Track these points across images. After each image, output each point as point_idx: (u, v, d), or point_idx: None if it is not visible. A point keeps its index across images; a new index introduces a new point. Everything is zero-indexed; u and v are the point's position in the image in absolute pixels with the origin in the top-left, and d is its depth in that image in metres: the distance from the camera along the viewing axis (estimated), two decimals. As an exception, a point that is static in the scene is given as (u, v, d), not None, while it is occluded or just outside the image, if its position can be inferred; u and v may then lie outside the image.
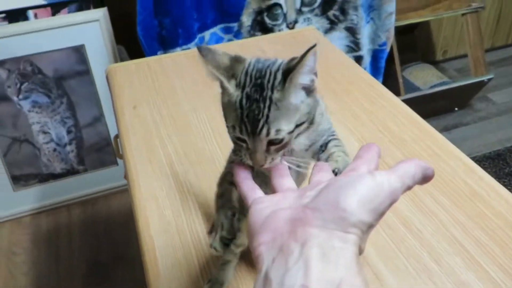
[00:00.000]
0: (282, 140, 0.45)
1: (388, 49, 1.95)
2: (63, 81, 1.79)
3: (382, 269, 0.67)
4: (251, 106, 0.44)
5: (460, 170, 0.84)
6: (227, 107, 0.47)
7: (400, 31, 2.33)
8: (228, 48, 1.34)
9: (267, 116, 0.44)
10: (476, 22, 2.16)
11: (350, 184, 0.36)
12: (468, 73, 2.45)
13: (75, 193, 1.94)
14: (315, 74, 0.47)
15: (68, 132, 1.87)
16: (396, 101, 1.07)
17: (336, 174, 0.47)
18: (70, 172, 1.93)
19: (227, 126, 0.47)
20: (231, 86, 0.46)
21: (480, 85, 2.20)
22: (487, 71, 2.21)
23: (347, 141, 0.94)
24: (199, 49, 0.48)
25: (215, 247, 0.51)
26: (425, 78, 2.33)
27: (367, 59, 1.92)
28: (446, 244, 0.71)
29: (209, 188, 0.85)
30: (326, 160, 0.50)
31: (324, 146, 0.52)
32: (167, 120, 1.04)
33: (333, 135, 0.54)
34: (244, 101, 0.44)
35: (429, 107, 2.16)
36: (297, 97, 0.45)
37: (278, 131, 0.44)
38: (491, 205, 0.77)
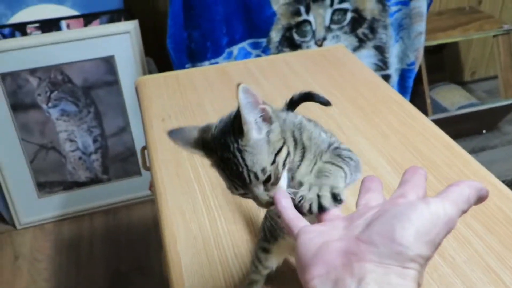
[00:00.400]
0: (270, 175, 0.46)
1: (416, 69, 1.93)
2: (92, 90, 1.81)
3: (413, 297, 0.65)
4: (229, 165, 0.46)
5: (494, 196, 0.82)
6: (217, 171, 0.50)
7: (429, 51, 2.31)
8: (257, 63, 1.35)
9: (246, 165, 0.45)
10: (508, 43, 2.12)
11: (404, 215, 0.34)
12: (496, 95, 2.41)
13: (98, 201, 1.96)
14: (263, 103, 0.47)
15: (94, 141, 1.89)
16: (427, 122, 1.05)
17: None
18: (94, 180, 1.94)
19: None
20: (206, 156, 0.49)
21: (509, 107, 2.15)
22: (518, 94, 2.16)
23: (377, 162, 0.92)
24: (169, 134, 0.51)
25: None
26: (453, 99, 2.30)
27: (395, 78, 1.90)
28: (480, 273, 0.68)
29: (236, 204, 0.84)
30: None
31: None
32: (195, 134, 1.04)
33: (336, 147, 0.52)
34: (221, 164, 0.47)
35: (456, 128, 2.13)
36: (259, 132, 0.46)
37: (263, 170, 0.45)
38: (528, 234, 0.74)
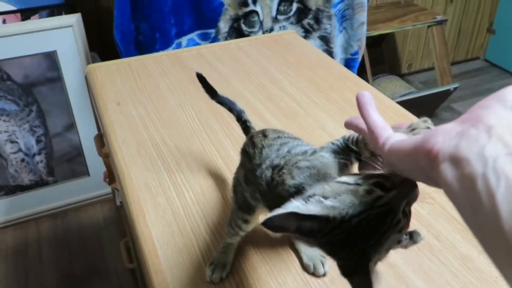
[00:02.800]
0: None
1: (360, 58, 2.00)
2: (33, 88, 1.73)
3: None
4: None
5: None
6: None
7: (368, 45, 2.40)
8: (210, 49, 1.35)
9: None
10: (442, 34, 2.25)
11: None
12: (432, 85, 2.54)
13: (44, 205, 1.86)
14: None
15: (38, 141, 1.80)
16: (382, 96, 1.09)
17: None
18: (39, 183, 1.85)
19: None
20: None
21: (446, 94, 2.28)
22: (453, 82, 2.30)
23: (337, 132, 0.95)
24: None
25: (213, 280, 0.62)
26: (394, 89, 2.40)
27: (340, 68, 1.96)
28: (444, 222, 0.72)
29: (204, 177, 0.83)
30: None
31: None
32: (153, 115, 1.02)
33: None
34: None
35: (399, 116, 2.22)
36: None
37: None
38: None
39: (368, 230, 0.38)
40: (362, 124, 0.44)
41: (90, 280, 1.61)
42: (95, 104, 1.11)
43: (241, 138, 0.69)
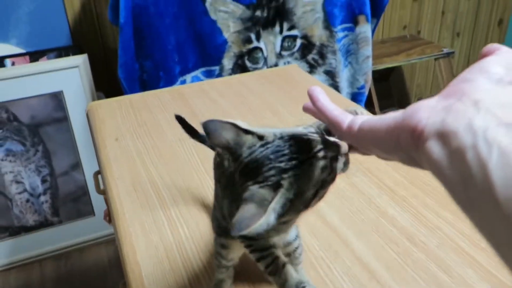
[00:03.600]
0: None
1: (366, 92, 1.98)
2: (40, 128, 1.74)
3: (390, 283, 0.63)
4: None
5: (457, 186, 0.82)
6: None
7: (376, 79, 2.39)
8: (212, 84, 1.34)
9: None
10: (449, 66, 2.24)
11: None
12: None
13: (48, 246, 1.83)
14: None
15: (43, 181, 1.79)
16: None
17: None
18: (43, 224, 1.83)
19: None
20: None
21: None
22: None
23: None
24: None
25: None
26: (403, 123, 2.37)
27: (347, 102, 1.94)
28: (454, 255, 0.67)
29: (199, 213, 0.80)
30: None
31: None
32: (151, 151, 1.00)
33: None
34: None
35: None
36: None
37: None
38: (494, 218, 0.74)
39: (290, 153, 0.42)
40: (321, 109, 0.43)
41: (92, 324, 1.56)
42: (94, 140, 1.10)
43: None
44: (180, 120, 0.69)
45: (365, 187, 0.84)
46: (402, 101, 2.71)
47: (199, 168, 0.93)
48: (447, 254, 0.67)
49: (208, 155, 0.97)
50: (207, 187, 0.87)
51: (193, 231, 0.75)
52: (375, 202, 0.79)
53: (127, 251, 0.72)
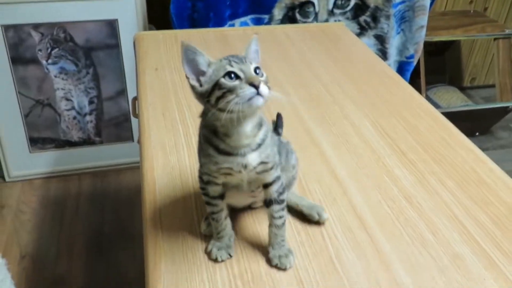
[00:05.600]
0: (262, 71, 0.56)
1: (415, 62, 1.95)
2: (92, 51, 1.83)
3: (378, 234, 0.67)
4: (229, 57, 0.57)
5: (470, 160, 0.84)
6: (210, 73, 0.58)
7: (430, 51, 2.32)
8: (258, 31, 1.37)
9: (246, 57, 0.57)
10: (508, 48, 2.14)
11: None
12: (494, 102, 2.42)
13: (88, 163, 1.97)
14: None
15: (90, 102, 1.90)
16: (416, 95, 1.07)
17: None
18: (86, 142, 1.96)
19: (216, 84, 0.55)
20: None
21: (504, 111, 2.17)
22: (513, 100, 2.18)
23: (360, 123, 0.94)
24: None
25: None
26: (450, 100, 2.32)
27: (393, 69, 1.92)
28: (445, 220, 0.70)
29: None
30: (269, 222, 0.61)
31: (268, 202, 0.61)
32: (186, 85, 1.05)
33: (277, 191, 0.61)
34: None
35: (449, 128, 2.13)
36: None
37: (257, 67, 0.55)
38: (498, 194, 0.76)
39: None
40: None
41: (116, 241, 1.69)
42: (136, 67, 1.17)
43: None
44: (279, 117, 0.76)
45: (378, 146, 0.86)
46: (455, 79, 2.63)
47: (226, 105, 0.98)
48: (439, 218, 0.70)
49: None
50: (230, 124, 0.92)
51: (208, 160, 0.81)
52: (383, 161, 0.82)
53: (147, 167, 0.79)
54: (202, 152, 0.59)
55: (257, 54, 0.59)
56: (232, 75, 0.53)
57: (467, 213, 0.71)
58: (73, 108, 1.90)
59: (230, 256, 0.61)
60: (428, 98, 2.21)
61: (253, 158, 0.56)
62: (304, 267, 0.61)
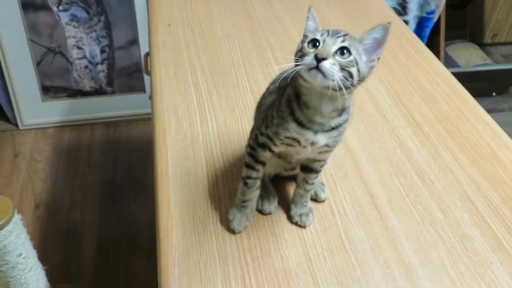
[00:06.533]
0: (350, 54, 0.52)
1: (435, 19, 1.88)
2: (104, -1, 1.79)
3: (387, 210, 0.67)
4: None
5: (486, 134, 0.82)
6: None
7: (452, 5, 2.23)
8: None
9: (347, 35, 0.54)
10: (534, 5, 2.05)
11: None
12: (514, 61, 2.36)
13: (100, 113, 1.98)
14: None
15: (102, 51, 1.88)
16: (434, 60, 1.04)
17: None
18: (98, 91, 1.95)
19: (305, 38, 0.55)
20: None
21: (524, 72, 2.11)
22: (535, 60, 2.11)
23: (376, 89, 0.92)
24: None
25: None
26: (468, 57, 2.25)
27: (412, 25, 1.86)
28: (456, 198, 0.70)
29: (230, 110, 0.85)
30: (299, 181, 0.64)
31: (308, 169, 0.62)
32: (198, 41, 1.04)
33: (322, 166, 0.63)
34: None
35: (466, 86, 2.08)
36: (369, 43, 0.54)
37: (350, 45, 0.52)
38: (511, 172, 0.75)
39: None
40: None
41: (128, 190, 1.72)
42: (148, 23, 1.14)
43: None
44: None
45: (393, 116, 0.85)
46: (475, 35, 2.54)
47: (239, 67, 0.96)
48: (450, 196, 0.70)
49: (250, 56, 1.00)
50: (243, 87, 0.90)
51: (220, 126, 0.81)
52: (397, 133, 0.81)
53: (159, 132, 0.79)
54: (275, 112, 0.57)
55: (376, 44, 0.54)
56: (317, 43, 0.52)
57: (479, 192, 0.71)
58: (84, 56, 1.88)
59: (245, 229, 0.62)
60: (446, 55, 2.15)
61: (322, 138, 0.55)
62: (313, 243, 0.61)
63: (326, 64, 0.50)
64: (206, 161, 0.74)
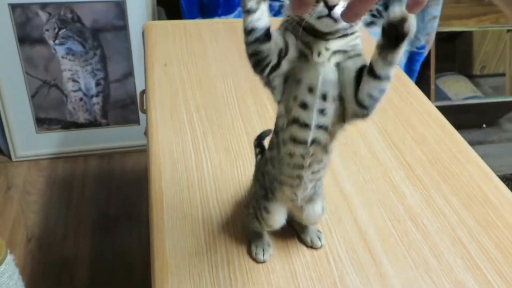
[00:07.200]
0: None
1: (425, 53, 1.92)
2: (100, 33, 1.81)
3: (381, 256, 0.68)
4: None
5: (476, 176, 0.84)
6: None
7: (441, 39, 2.28)
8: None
9: None
10: (521, 40, 2.11)
11: None
12: (503, 93, 2.40)
13: (94, 144, 1.98)
14: None
15: (97, 84, 1.90)
16: (425, 100, 1.06)
17: None
18: (92, 123, 1.96)
19: None
20: None
21: (513, 105, 2.15)
22: (523, 93, 2.16)
23: (369, 131, 0.94)
24: None
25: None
26: (458, 90, 2.29)
27: (402, 60, 1.89)
28: (449, 243, 0.70)
29: (225, 151, 0.86)
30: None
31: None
32: (194, 81, 1.05)
33: None
34: None
35: (457, 118, 2.11)
36: None
37: None
38: (502, 215, 0.76)
39: None
40: None
41: (122, 222, 1.71)
42: (144, 61, 1.16)
43: (272, 119, 0.69)
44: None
45: (386, 159, 0.86)
46: (465, 67, 2.59)
47: (234, 107, 0.98)
48: (443, 240, 0.71)
49: (245, 96, 1.01)
50: (238, 128, 0.92)
51: (215, 168, 0.82)
52: (390, 176, 0.82)
53: (154, 176, 0.79)
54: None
55: None
56: None
57: (471, 236, 0.72)
58: (80, 89, 1.89)
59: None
60: (436, 88, 2.19)
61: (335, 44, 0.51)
62: (308, 291, 0.62)
63: (338, 10, 0.46)
64: (202, 206, 0.74)
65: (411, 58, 1.91)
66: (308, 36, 0.50)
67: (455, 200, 0.78)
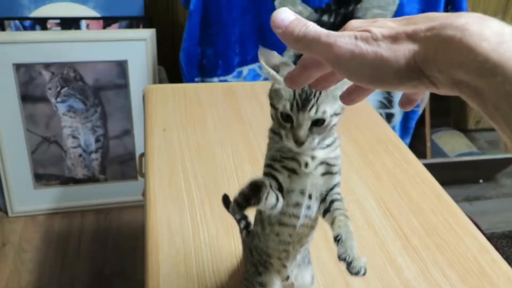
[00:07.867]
0: (325, 121, 0.51)
1: (420, 111, 1.96)
2: (101, 91, 1.85)
3: (379, 335, 0.67)
4: (304, 88, 0.50)
5: (474, 248, 0.84)
6: (277, 92, 0.53)
7: (435, 95, 2.33)
8: (264, 87, 1.38)
9: (317, 98, 0.50)
10: None
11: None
12: (498, 146, 2.42)
13: (91, 200, 1.98)
14: None
15: (97, 140, 1.92)
16: (420, 167, 1.07)
17: (338, 241, 0.51)
18: (90, 179, 1.97)
19: (276, 110, 0.53)
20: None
21: (509, 161, 2.17)
22: (518, 149, 2.18)
23: (364, 199, 0.94)
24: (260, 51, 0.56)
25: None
26: (454, 145, 2.32)
27: (398, 118, 1.93)
28: (447, 320, 0.70)
29: (222, 220, 0.86)
30: (331, 223, 0.54)
31: (328, 204, 0.56)
32: (193, 148, 1.07)
33: (338, 193, 0.57)
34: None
35: (453, 174, 2.14)
36: (339, 91, 0.49)
37: (324, 112, 0.50)
38: (500, 289, 0.76)
39: None
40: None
41: (116, 281, 1.69)
42: (144, 125, 1.18)
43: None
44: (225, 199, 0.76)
45: (382, 229, 0.87)
46: (460, 122, 2.64)
47: (231, 175, 0.99)
48: (441, 318, 0.70)
49: (243, 163, 1.03)
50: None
51: (212, 239, 0.82)
52: (387, 248, 0.83)
53: (151, 248, 0.80)
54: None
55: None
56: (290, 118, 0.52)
57: (469, 312, 0.71)
58: (79, 145, 1.91)
59: None
60: (432, 143, 2.22)
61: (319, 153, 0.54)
62: None
63: (308, 146, 0.52)
64: (198, 279, 0.74)
65: (407, 116, 1.94)
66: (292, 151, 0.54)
67: (452, 273, 0.78)
